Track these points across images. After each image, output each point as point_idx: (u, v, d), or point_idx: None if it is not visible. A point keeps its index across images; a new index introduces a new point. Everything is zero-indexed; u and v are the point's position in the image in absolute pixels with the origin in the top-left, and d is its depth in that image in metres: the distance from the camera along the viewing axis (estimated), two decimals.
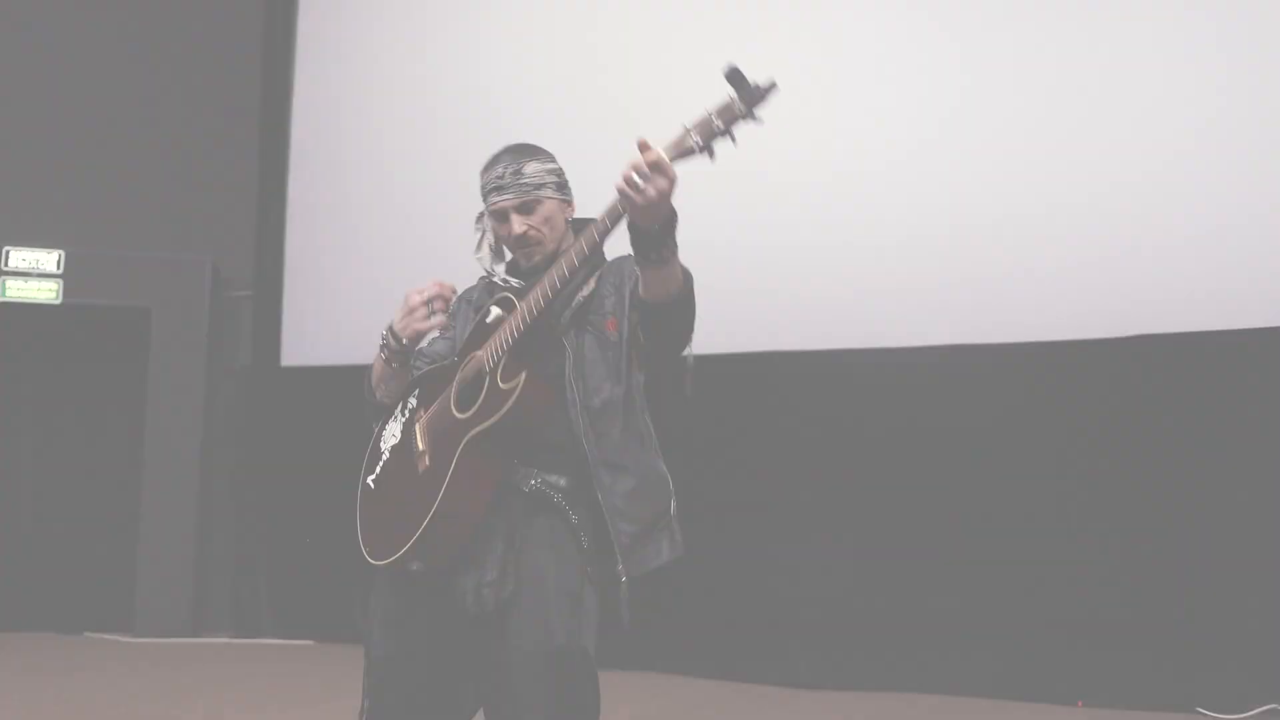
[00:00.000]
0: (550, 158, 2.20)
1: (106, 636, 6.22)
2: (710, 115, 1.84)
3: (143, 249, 6.38)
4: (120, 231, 6.45)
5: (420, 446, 2.05)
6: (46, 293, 6.16)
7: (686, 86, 5.38)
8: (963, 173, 4.97)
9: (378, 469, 2.17)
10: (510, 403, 1.92)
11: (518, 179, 2.12)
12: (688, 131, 1.85)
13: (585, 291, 2.08)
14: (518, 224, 2.11)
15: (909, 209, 5.05)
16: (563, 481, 2.04)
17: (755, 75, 1.83)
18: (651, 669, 5.08)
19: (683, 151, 1.86)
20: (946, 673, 4.77)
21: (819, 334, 5.17)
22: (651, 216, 1.87)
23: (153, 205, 6.55)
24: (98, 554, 6.54)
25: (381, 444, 2.20)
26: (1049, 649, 4.64)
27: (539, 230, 2.13)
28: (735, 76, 1.81)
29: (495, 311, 2.03)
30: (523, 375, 1.94)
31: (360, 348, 6.55)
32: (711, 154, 1.86)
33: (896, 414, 4.99)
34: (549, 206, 2.14)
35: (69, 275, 6.19)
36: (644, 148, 1.85)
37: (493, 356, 1.98)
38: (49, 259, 6.18)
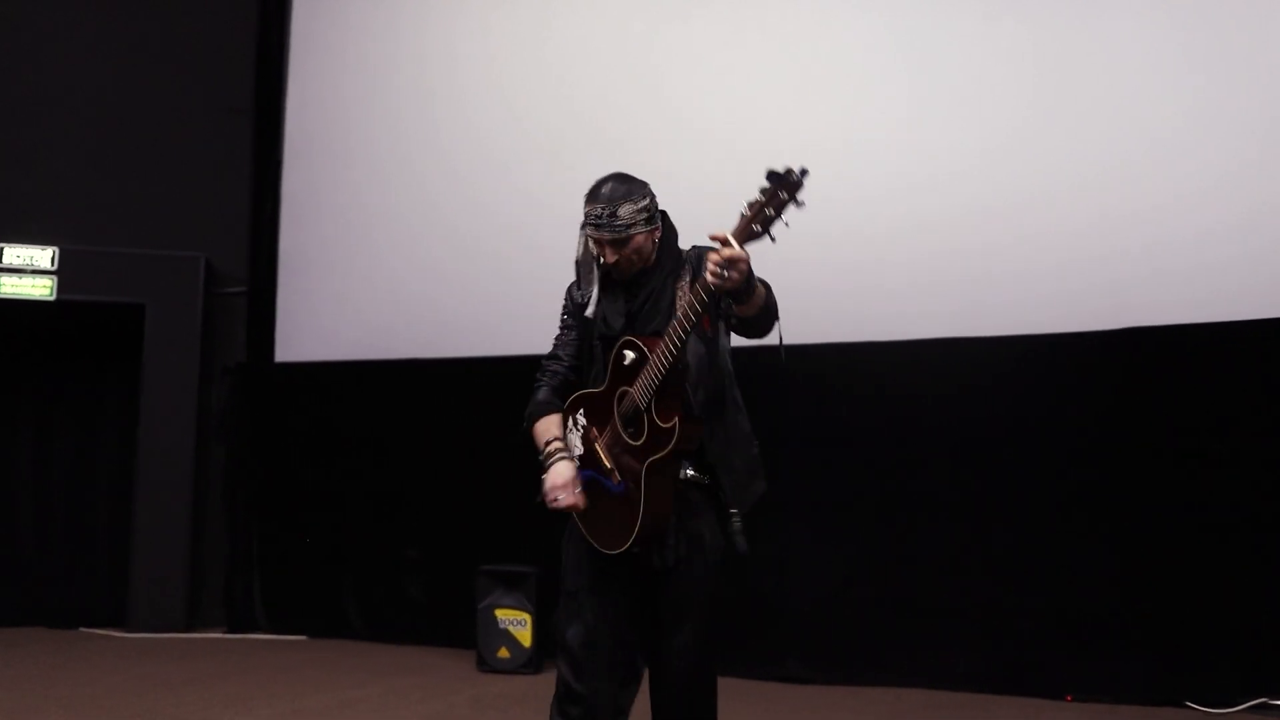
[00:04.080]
0: (642, 194, 2.65)
1: (100, 632, 6.24)
2: (765, 209, 2.32)
3: (137, 246, 6.38)
4: (114, 228, 6.46)
5: (609, 465, 2.62)
6: (40, 289, 6.17)
7: (680, 83, 5.49)
8: (957, 167, 4.96)
9: None
10: (674, 441, 2.50)
11: (612, 221, 2.60)
12: (750, 224, 2.34)
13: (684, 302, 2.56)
14: (610, 255, 2.64)
15: (903, 203, 5.04)
16: (700, 463, 2.62)
17: (789, 166, 2.31)
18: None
19: (749, 238, 2.35)
20: (936, 667, 4.76)
21: (808, 328, 5.15)
22: (739, 283, 2.39)
23: (147, 202, 6.56)
24: (92, 550, 6.56)
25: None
26: (1038, 644, 4.63)
27: (629, 260, 2.64)
28: (774, 176, 2.31)
29: (629, 355, 2.58)
30: (676, 419, 2.50)
31: (352, 344, 6.64)
32: (773, 238, 2.35)
33: (882, 409, 4.98)
34: (638, 240, 2.63)
35: (63, 272, 6.20)
36: (723, 242, 2.34)
37: (644, 397, 2.53)
38: (43, 255, 6.19)
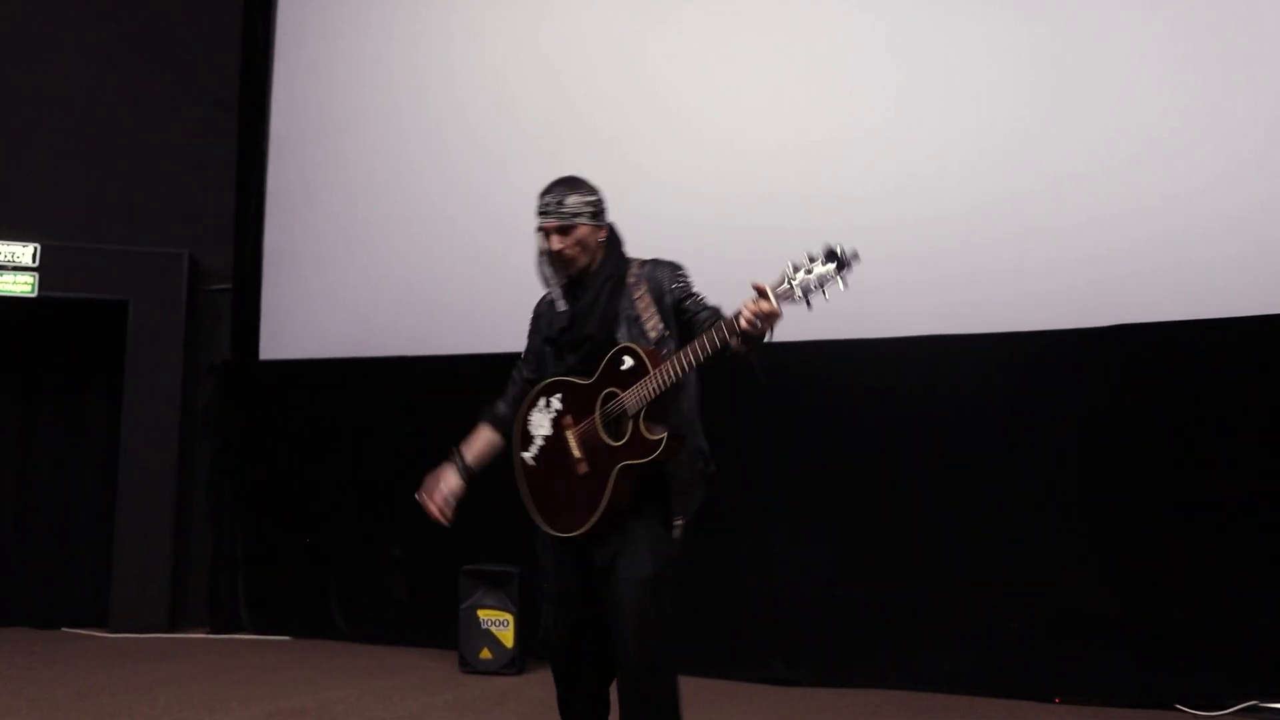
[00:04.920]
0: (591, 191, 2.86)
1: (82, 632, 6.18)
2: (811, 280, 2.43)
3: (120, 242, 6.32)
4: (97, 224, 6.39)
5: (577, 454, 2.77)
6: (22, 286, 6.11)
7: (675, 81, 5.44)
8: (949, 164, 4.90)
9: (534, 449, 2.89)
10: (659, 451, 2.64)
11: (560, 208, 2.82)
12: (792, 287, 2.45)
13: (656, 327, 2.78)
14: (555, 243, 2.83)
15: (895, 201, 4.98)
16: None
17: (844, 247, 2.43)
18: None
19: (787, 300, 2.46)
20: (922, 669, 4.70)
21: (795, 326, 5.08)
22: (765, 333, 2.54)
23: (130, 198, 6.50)
24: (74, 549, 6.50)
25: (531, 429, 2.91)
26: (1026, 645, 4.57)
27: (572, 250, 2.82)
28: (831, 253, 2.42)
29: (628, 361, 2.70)
30: (665, 434, 2.65)
31: (338, 341, 6.58)
32: (810, 306, 2.45)
33: (869, 408, 4.92)
34: (582, 231, 2.83)
35: (45, 268, 6.13)
36: (762, 294, 2.46)
37: (635, 406, 2.67)
38: (24, 252, 6.13)
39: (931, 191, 4.91)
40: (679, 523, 2.78)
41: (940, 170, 4.90)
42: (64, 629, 6.25)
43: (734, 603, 5.04)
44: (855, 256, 2.41)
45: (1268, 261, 4.34)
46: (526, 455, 2.90)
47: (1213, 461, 4.35)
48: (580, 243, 2.83)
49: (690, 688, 4.83)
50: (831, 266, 2.41)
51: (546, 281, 2.91)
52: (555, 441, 2.83)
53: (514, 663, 5.07)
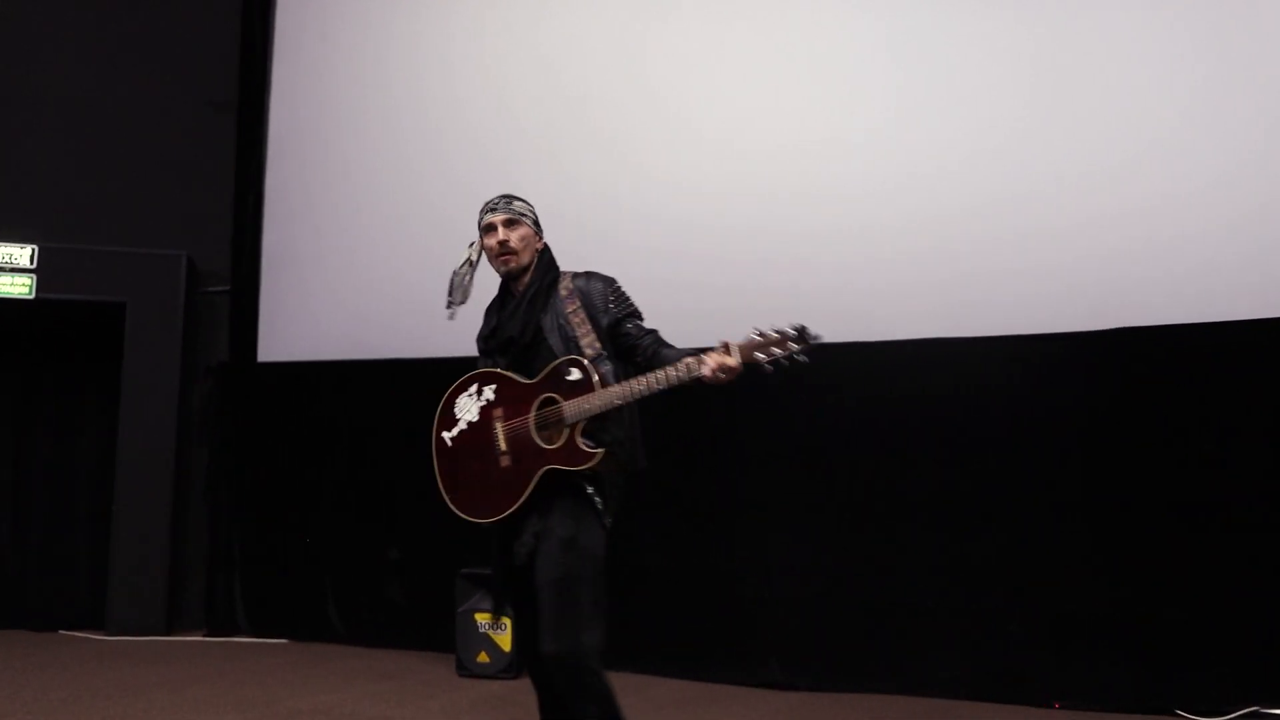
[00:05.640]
0: (530, 204, 3.07)
1: (79, 634, 6.16)
2: (774, 348, 2.64)
3: (117, 243, 6.31)
4: (95, 226, 6.39)
5: (503, 446, 2.86)
6: (19, 287, 6.09)
7: (675, 81, 5.42)
8: (948, 165, 4.89)
9: (455, 431, 2.97)
10: (591, 463, 2.76)
11: (509, 205, 3.03)
12: (758, 348, 2.65)
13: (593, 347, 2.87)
14: (502, 233, 2.99)
15: (893, 202, 4.97)
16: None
17: (811, 329, 2.65)
18: (620, 669, 4.97)
19: (749, 359, 2.66)
20: (921, 674, 4.67)
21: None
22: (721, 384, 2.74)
23: (128, 199, 6.50)
24: (71, 551, 6.49)
25: (456, 411, 2.98)
26: (1026, 650, 4.54)
27: (518, 243, 2.99)
28: (802, 331, 2.64)
29: (575, 373, 2.79)
30: (601, 451, 2.76)
31: (337, 343, 6.55)
32: (768, 371, 2.65)
33: (866, 411, 4.89)
34: (525, 230, 3.02)
35: (42, 270, 6.12)
36: (727, 352, 2.67)
37: (573, 415, 2.78)
38: (22, 254, 6.12)
39: (931, 191, 4.89)
40: (606, 520, 2.85)
41: (940, 170, 4.88)
42: (61, 631, 6.24)
43: (732, 606, 5.02)
44: (818, 339, 2.65)
45: (1268, 263, 4.31)
46: (446, 435, 2.99)
47: (1214, 465, 4.32)
48: (524, 239, 3.00)
49: (687, 691, 4.85)
50: (797, 346, 2.63)
51: (453, 292, 3.03)
52: (480, 430, 2.91)
53: (511, 666, 5.04)
